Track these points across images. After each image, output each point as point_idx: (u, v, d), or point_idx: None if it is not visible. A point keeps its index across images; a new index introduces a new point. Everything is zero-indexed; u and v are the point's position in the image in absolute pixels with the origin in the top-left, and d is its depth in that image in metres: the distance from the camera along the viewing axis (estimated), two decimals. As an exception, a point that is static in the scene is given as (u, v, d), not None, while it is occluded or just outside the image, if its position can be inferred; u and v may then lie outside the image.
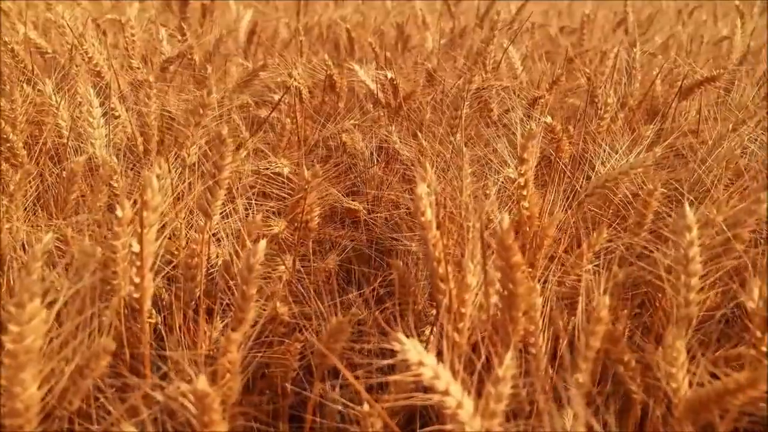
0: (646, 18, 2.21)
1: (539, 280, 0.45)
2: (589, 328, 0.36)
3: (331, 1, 2.21)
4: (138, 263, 0.37)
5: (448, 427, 0.31)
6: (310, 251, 0.56)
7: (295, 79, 0.75)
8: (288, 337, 0.49)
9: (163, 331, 0.48)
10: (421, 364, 0.31)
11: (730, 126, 0.65)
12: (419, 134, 0.77)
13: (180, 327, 0.44)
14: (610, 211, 0.59)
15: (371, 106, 0.98)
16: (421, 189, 0.38)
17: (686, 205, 0.38)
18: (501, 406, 0.33)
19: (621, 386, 0.46)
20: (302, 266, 0.60)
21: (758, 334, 0.40)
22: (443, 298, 0.37)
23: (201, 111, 0.50)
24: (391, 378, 0.31)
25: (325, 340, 0.40)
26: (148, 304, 0.38)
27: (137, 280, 0.37)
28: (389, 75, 0.77)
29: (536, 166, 0.66)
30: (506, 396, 0.33)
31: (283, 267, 0.59)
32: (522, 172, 0.44)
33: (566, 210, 0.52)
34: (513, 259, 0.34)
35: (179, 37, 0.95)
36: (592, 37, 1.60)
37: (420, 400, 0.31)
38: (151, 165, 0.56)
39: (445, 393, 0.31)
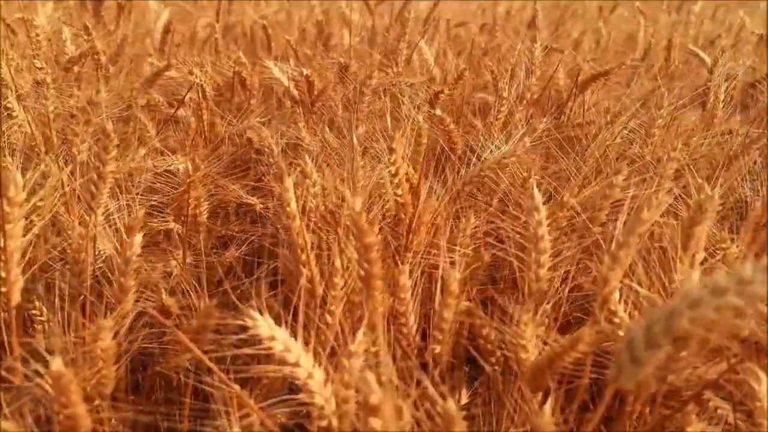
0: (561, 15, 2.29)
1: (412, 264, 0.48)
2: (443, 301, 0.39)
3: (259, 0, 2.21)
4: (3, 258, 0.38)
5: (300, 396, 0.34)
6: (202, 245, 0.58)
7: (197, 77, 0.76)
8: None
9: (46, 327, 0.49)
10: (272, 338, 0.33)
11: (609, 118, 0.69)
12: (327, 129, 0.79)
13: (60, 321, 0.45)
14: (495, 199, 0.62)
15: (289, 103, 0.99)
16: (288, 182, 0.39)
17: (534, 186, 0.41)
18: (354, 377, 0.36)
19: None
20: (204, 260, 0.61)
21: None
22: (307, 283, 0.39)
23: (89, 108, 0.51)
24: (241, 351, 0.33)
25: (195, 324, 0.42)
26: (16, 298, 0.38)
27: (3, 274, 0.38)
28: (305, 72, 0.79)
29: (428, 158, 0.69)
30: (359, 369, 0.36)
31: (187, 260, 0.60)
32: (392, 161, 0.47)
33: (448, 198, 0.55)
34: (366, 239, 0.36)
35: (85, 37, 0.94)
36: (507, 35, 1.65)
37: (272, 372, 0.33)
38: (42, 163, 0.56)
39: (296, 365, 0.33)
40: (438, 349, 0.41)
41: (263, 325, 0.33)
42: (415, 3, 1.79)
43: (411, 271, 0.46)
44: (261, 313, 0.33)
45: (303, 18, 1.92)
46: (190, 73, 0.76)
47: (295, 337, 0.35)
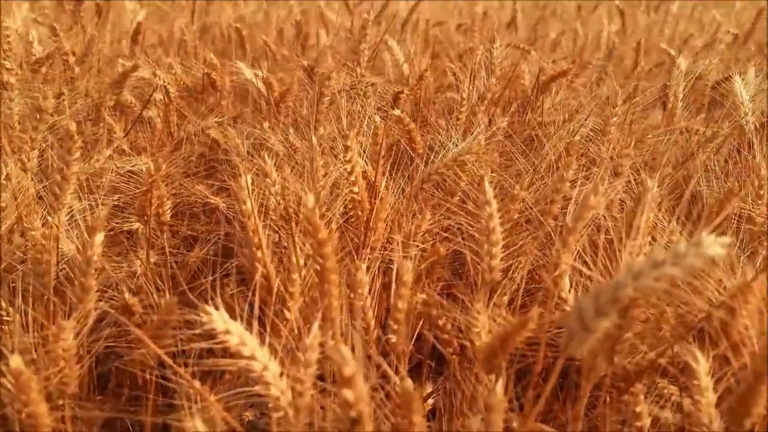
0: (540, 15, 2.31)
1: (371, 260, 0.49)
2: (397, 291, 0.40)
3: (239, 0, 2.21)
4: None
5: (257, 388, 0.35)
6: (165, 245, 0.58)
7: (159, 78, 0.77)
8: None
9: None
10: (227, 332, 0.34)
11: (567, 116, 0.71)
12: (291, 130, 0.80)
13: (22, 321, 0.45)
14: (456, 197, 0.64)
15: (265, 104, 1.00)
16: (243, 181, 0.41)
17: (486, 181, 0.43)
18: (311, 371, 0.37)
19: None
20: (169, 260, 0.61)
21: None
22: (263, 279, 0.40)
23: (37, 115, 0.51)
24: (197, 345, 0.34)
25: (156, 321, 0.43)
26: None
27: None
28: (260, 74, 0.80)
29: (389, 157, 0.70)
30: (314, 362, 0.37)
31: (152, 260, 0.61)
32: (348, 158, 0.48)
33: (406, 195, 0.56)
34: (319, 235, 0.37)
35: (53, 38, 0.94)
36: (484, 35, 1.67)
37: (229, 365, 0.34)
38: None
39: (252, 357, 0.34)
40: (394, 338, 0.42)
41: (218, 319, 0.34)
42: (395, 3, 1.80)
43: (369, 267, 0.47)
44: (217, 308, 0.35)
45: (281, 18, 1.93)
46: (154, 74, 0.76)
47: (252, 331, 0.36)
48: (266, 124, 0.83)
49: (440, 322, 0.45)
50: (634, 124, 0.81)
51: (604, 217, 0.48)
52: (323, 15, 1.61)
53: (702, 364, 0.39)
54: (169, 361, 0.33)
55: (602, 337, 0.38)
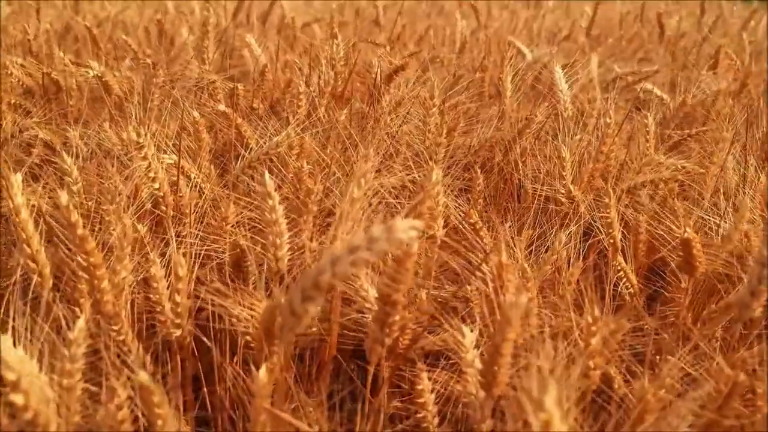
0: (427, 12, 2.38)
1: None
2: (173, 286, 0.41)
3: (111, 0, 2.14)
4: None
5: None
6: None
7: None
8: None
9: None
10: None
11: (393, 106, 0.74)
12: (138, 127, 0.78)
13: None
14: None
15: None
16: (13, 178, 0.40)
17: (266, 173, 0.44)
18: (77, 366, 0.37)
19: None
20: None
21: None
22: (37, 277, 0.40)
23: None
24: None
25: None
26: None
27: None
28: (91, 73, 0.78)
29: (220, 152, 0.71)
30: (80, 356, 0.37)
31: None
32: (143, 155, 0.48)
33: (220, 189, 0.57)
34: (78, 232, 0.37)
35: None
36: (348, 32, 1.70)
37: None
38: None
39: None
40: (178, 332, 0.43)
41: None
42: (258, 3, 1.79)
43: (170, 261, 0.48)
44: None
45: (147, 17, 1.88)
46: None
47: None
48: (107, 124, 0.82)
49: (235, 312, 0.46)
50: (465, 112, 0.85)
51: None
52: (184, 14, 1.59)
53: (468, 338, 0.42)
54: None
55: (372, 323, 0.41)
